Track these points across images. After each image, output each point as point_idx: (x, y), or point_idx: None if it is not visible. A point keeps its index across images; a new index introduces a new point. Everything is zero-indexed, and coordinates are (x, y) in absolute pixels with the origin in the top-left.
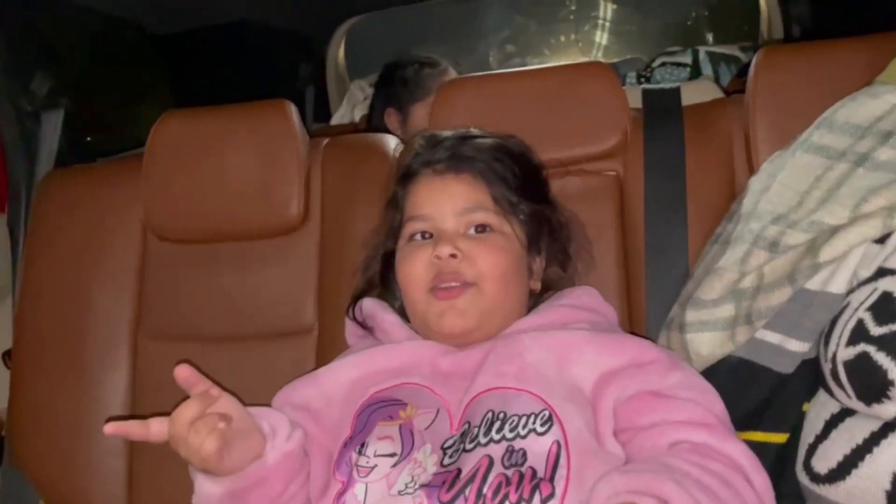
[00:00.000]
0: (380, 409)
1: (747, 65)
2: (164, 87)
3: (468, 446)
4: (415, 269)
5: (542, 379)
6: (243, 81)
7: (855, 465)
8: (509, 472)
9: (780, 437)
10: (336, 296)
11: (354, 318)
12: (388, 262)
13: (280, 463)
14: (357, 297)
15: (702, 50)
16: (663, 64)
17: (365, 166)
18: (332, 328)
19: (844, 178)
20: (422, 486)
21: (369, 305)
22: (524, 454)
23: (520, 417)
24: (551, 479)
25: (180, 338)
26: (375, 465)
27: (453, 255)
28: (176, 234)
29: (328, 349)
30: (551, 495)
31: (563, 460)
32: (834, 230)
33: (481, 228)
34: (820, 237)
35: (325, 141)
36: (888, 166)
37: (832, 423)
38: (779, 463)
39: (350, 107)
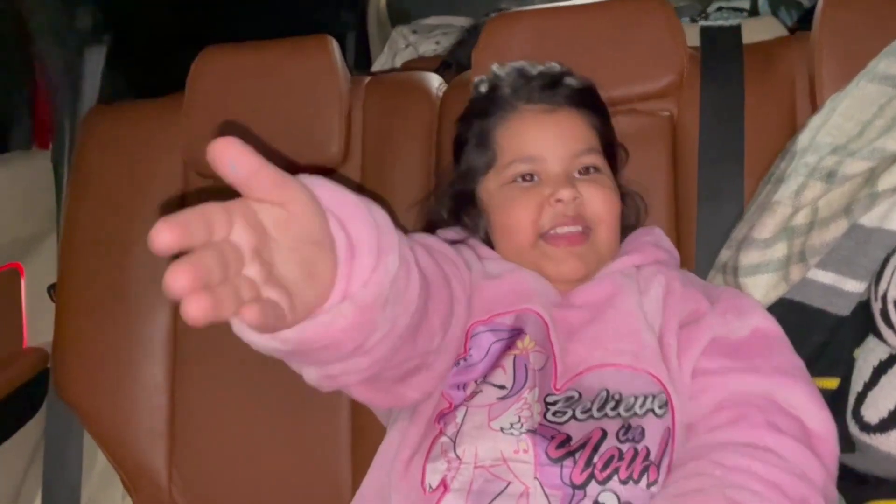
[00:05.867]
0: (500, 341)
1: (809, 10)
2: (205, 31)
3: (579, 416)
4: (526, 213)
5: (660, 362)
6: (283, 27)
7: None
8: (624, 447)
9: (832, 383)
10: None
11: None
12: (460, 200)
13: (353, 323)
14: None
15: None
16: (719, 9)
17: (407, 105)
18: None
19: None
20: (528, 431)
21: (457, 234)
22: (642, 431)
23: (636, 397)
24: (659, 465)
25: None
26: (480, 392)
27: (575, 199)
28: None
29: None
30: (655, 482)
31: (669, 448)
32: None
33: (586, 170)
34: (880, 165)
35: (367, 79)
36: None
37: (881, 370)
38: (831, 408)
39: (391, 54)
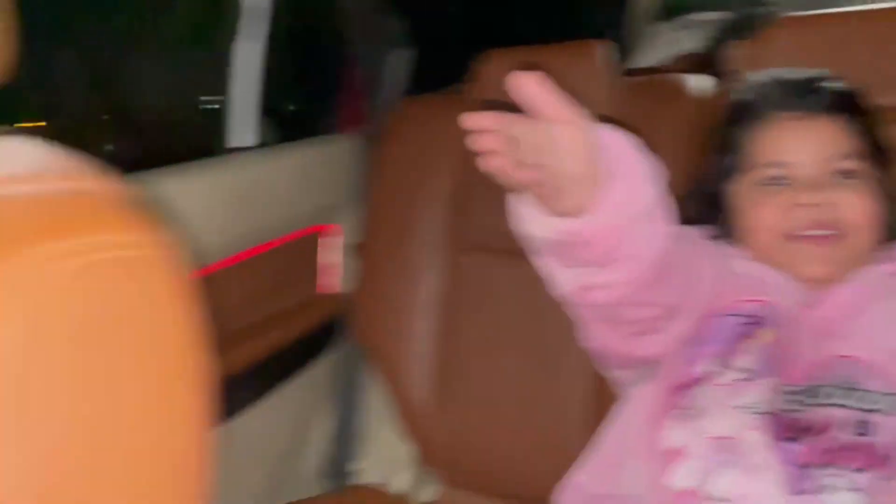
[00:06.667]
0: (740, 325)
1: None
2: (483, 32)
3: (817, 403)
4: (770, 214)
5: None
6: (553, 24)
7: None
8: (855, 439)
9: None
10: None
11: None
12: (707, 201)
13: (609, 227)
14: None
15: None
16: None
17: (667, 107)
18: None
19: None
20: (763, 412)
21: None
22: (876, 427)
23: (877, 394)
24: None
25: (481, 250)
26: (721, 373)
27: (822, 203)
28: None
29: None
30: (886, 476)
31: None
32: None
33: (841, 175)
34: None
35: (627, 79)
36: None
37: None
38: None
39: (654, 50)
